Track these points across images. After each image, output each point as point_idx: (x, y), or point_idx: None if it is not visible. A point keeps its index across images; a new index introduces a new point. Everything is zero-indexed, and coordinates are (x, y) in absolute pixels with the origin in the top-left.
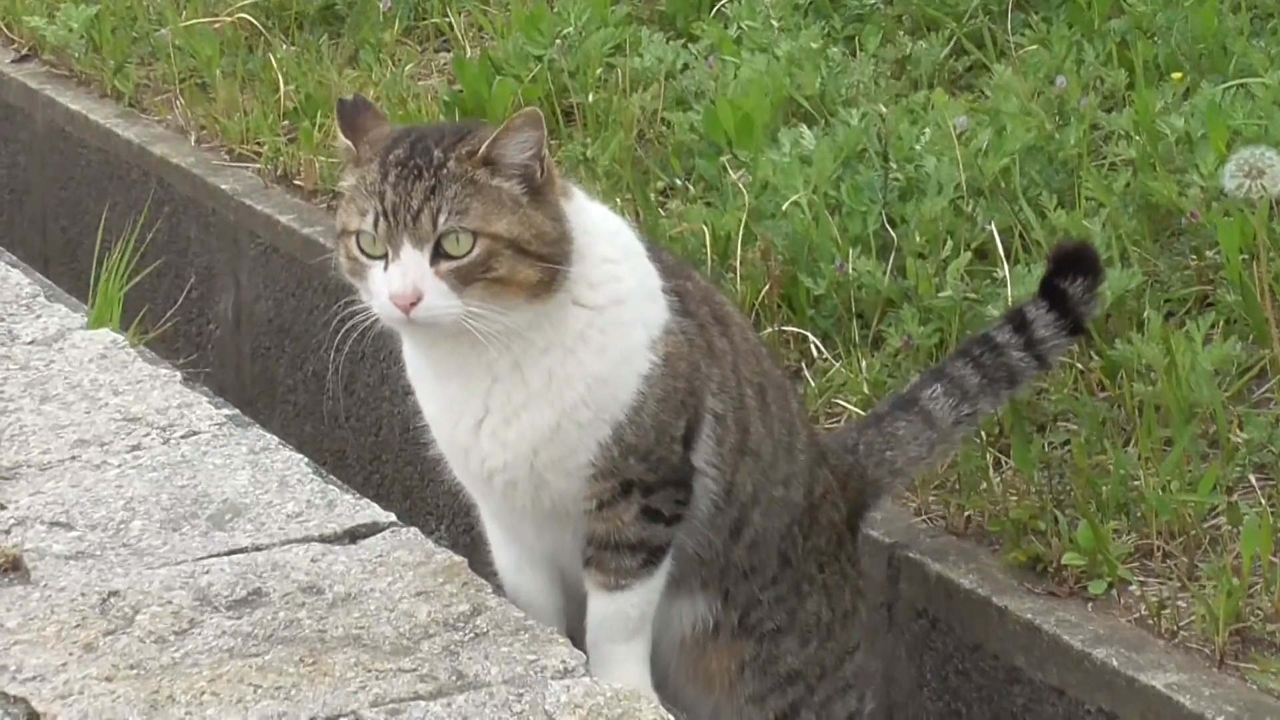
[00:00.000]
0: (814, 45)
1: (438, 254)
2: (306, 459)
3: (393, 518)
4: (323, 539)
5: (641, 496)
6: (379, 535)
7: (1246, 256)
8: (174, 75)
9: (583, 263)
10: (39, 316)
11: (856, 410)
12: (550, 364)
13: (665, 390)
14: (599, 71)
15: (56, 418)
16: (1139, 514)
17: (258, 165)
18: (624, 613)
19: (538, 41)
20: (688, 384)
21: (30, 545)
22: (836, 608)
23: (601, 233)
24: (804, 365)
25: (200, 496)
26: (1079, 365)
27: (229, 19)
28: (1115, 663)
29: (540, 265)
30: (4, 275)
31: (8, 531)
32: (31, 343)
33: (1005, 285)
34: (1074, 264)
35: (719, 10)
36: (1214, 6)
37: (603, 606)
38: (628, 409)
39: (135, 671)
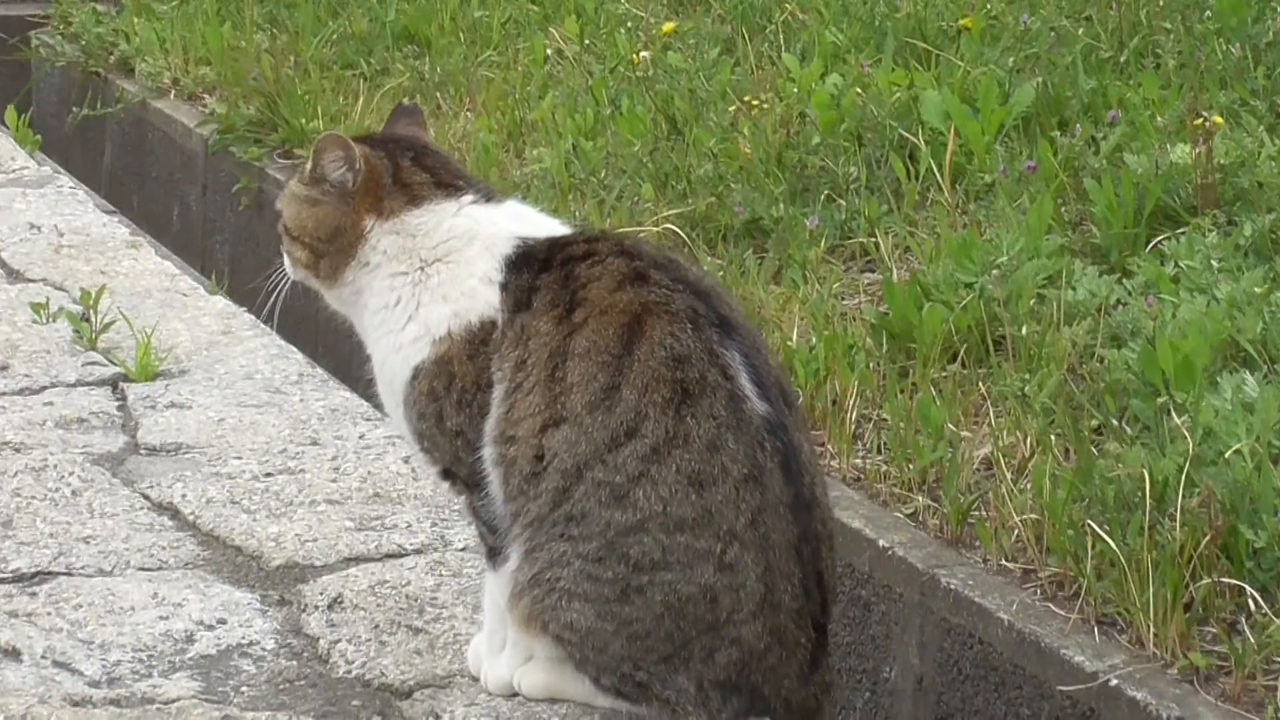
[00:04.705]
0: (1257, 289)
1: None
2: None
3: None
4: None
5: None
6: None
7: None
8: None
9: None
10: None
11: None
12: None
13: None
14: (1031, 303)
15: None
16: None
17: None
18: None
19: (968, 269)
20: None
21: None
22: None
23: None
24: (1243, 619)
25: None
26: None
27: (654, 228)
28: None
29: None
30: None
31: None
32: None
33: None
34: None
35: (1155, 247)
36: None
37: None
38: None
39: None
